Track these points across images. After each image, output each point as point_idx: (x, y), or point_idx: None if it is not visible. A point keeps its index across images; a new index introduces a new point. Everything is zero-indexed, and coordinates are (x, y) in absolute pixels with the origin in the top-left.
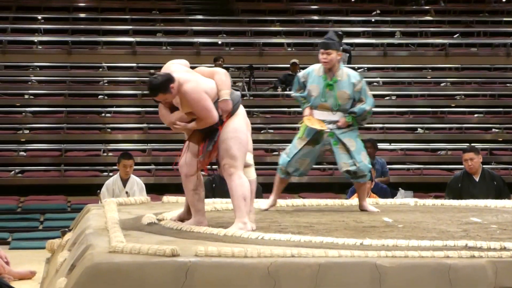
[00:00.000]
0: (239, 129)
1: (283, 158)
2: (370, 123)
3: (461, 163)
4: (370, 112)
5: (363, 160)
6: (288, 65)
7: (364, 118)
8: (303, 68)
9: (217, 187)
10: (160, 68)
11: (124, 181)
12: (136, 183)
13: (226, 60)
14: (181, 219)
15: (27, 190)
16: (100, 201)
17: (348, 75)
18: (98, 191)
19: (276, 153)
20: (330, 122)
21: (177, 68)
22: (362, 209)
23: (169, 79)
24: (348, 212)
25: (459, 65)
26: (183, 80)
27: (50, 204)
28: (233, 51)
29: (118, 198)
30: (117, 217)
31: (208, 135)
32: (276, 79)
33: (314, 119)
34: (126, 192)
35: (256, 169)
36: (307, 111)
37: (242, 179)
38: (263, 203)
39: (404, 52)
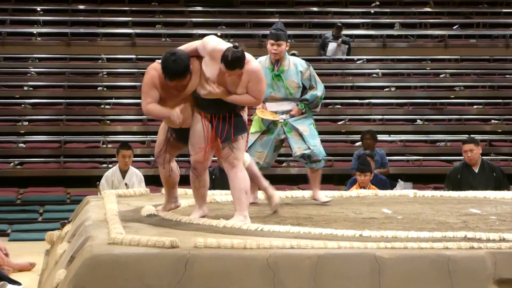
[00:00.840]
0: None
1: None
2: (370, 114)
3: (460, 155)
4: (321, 98)
5: (317, 145)
6: None
7: (316, 104)
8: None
9: (217, 178)
10: (158, 60)
11: (123, 173)
12: (135, 174)
13: None
14: (167, 209)
15: (26, 182)
16: (100, 192)
17: (294, 64)
18: (98, 182)
19: None
20: (283, 112)
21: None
22: (314, 198)
23: (245, 54)
24: (348, 203)
25: (459, 57)
26: (248, 57)
27: (49, 195)
28: (232, 42)
29: (117, 190)
30: (116, 208)
31: (218, 123)
32: None
33: (267, 111)
34: (126, 184)
35: None
36: (260, 105)
37: (244, 173)
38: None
39: (403, 43)
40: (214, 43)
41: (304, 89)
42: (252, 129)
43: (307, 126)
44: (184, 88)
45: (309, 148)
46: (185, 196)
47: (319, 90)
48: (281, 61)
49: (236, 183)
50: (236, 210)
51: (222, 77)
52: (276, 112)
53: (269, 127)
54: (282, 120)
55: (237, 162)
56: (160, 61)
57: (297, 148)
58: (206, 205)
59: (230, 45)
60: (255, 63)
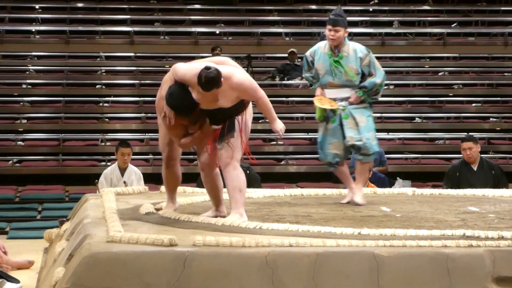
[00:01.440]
0: (248, 122)
1: (319, 152)
2: None
3: (459, 152)
4: (381, 85)
5: (371, 138)
6: (286, 55)
7: (376, 92)
8: (301, 58)
9: None
10: (158, 57)
11: (122, 171)
12: (134, 172)
13: (224, 49)
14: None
15: (25, 180)
16: (98, 190)
17: (354, 49)
18: (96, 180)
19: (274, 142)
20: (342, 99)
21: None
22: (352, 199)
23: (220, 72)
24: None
25: (457, 55)
26: (228, 73)
27: (48, 193)
28: (231, 40)
29: (116, 188)
30: (115, 206)
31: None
32: (274, 68)
33: (325, 99)
34: (124, 182)
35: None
36: (318, 91)
37: (238, 171)
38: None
39: (402, 41)
40: (181, 72)
41: (363, 76)
42: (317, 117)
43: (365, 117)
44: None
45: (361, 140)
46: (183, 194)
47: (378, 77)
48: (340, 47)
49: (230, 181)
50: (231, 208)
51: (210, 97)
52: (334, 99)
53: (328, 115)
54: (341, 107)
55: (231, 161)
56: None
57: (350, 137)
58: (223, 206)
59: (201, 66)
60: (238, 76)
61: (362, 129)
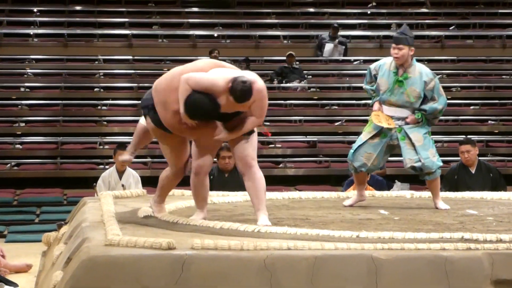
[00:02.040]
0: None
1: (350, 151)
2: (366, 115)
3: (457, 155)
4: (441, 111)
5: (430, 156)
6: (284, 57)
7: (435, 117)
8: (300, 61)
9: (215, 179)
10: (156, 60)
11: (120, 174)
12: (132, 175)
13: (222, 52)
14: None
15: (23, 183)
16: (96, 194)
17: (420, 72)
18: (94, 184)
19: (272, 145)
20: (398, 119)
21: (223, 67)
22: (436, 206)
23: (252, 84)
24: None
25: (455, 57)
26: (253, 78)
27: (46, 197)
28: (229, 43)
29: (114, 191)
30: (113, 210)
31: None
32: (272, 71)
33: (383, 115)
34: (122, 185)
35: None
36: (376, 106)
37: (260, 172)
38: (347, 200)
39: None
40: (201, 81)
41: (424, 99)
42: (367, 128)
43: (421, 136)
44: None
45: (420, 161)
46: (182, 197)
47: (440, 104)
48: (406, 66)
49: (257, 183)
50: (260, 210)
51: (238, 105)
52: (392, 117)
53: (383, 129)
54: (397, 127)
55: (254, 162)
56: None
57: (408, 159)
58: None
59: (217, 73)
60: (261, 83)
61: (419, 148)
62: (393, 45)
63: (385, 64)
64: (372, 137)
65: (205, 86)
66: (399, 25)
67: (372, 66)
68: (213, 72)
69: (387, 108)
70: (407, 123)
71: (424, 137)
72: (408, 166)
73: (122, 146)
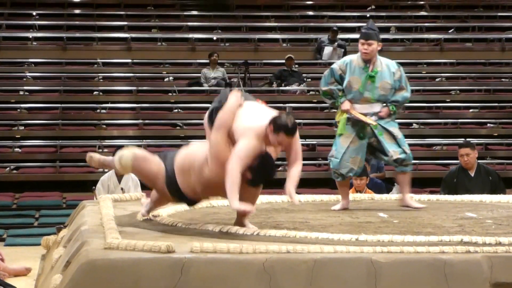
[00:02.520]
0: None
1: (333, 161)
2: None
3: (456, 158)
4: (408, 99)
5: (407, 149)
6: (283, 61)
7: (403, 106)
8: (298, 64)
9: None
10: (155, 64)
11: (119, 177)
12: (131, 179)
13: (221, 55)
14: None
15: (22, 187)
16: (96, 197)
17: (387, 65)
18: (94, 187)
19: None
20: (372, 114)
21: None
22: (404, 204)
23: None
24: (344, 208)
25: (454, 60)
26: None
27: (45, 200)
28: (228, 46)
29: (113, 194)
30: (112, 213)
31: None
32: (271, 74)
33: (359, 114)
34: (122, 189)
35: None
36: (347, 105)
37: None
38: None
39: (399, 47)
40: (244, 155)
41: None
42: (341, 131)
43: (398, 130)
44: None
45: (405, 153)
46: None
47: (408, 92)
48: (373, 61)
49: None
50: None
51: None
52: (365, 114)
53: (361, 130)
54: (375, 123)
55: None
56: None
57: (393, 151)
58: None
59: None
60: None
61: (401, 141)
62: (362, 40)
63: (351, 62)
64: (352, 141)
65: (252, 148)
66: (398, 28)
67: (336, 66)
68: (239, 131)
69: (360, 106)
70: (380, 117)
71: (400, 131)
72: (394, 158)
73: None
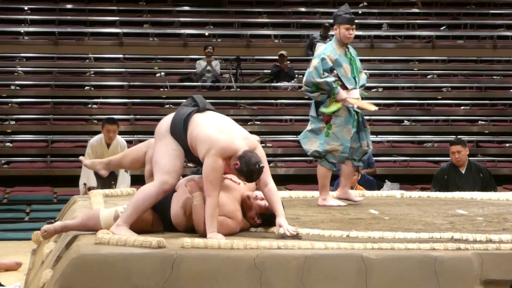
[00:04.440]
0: None
1: (341, 156)
2: None
3: (447, 155)
4: None
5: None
6: (275, 57)
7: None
8: (290, 60)
9: None
10: (147, 59)
11: (108, 145)
12: (120, 145)
13: (213, 51)
14: None
15: (13, 181)
16: (87, 192)
17: (351, 48)
18: (85, 183)
19: (263, 144)
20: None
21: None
22: (345, 197)
23: None
24: (335, 204)
25: (446, 57)
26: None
27: (36, 195)
28: (220, 42)
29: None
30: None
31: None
32: (263, 70)
33: (356, 100)
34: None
35: None
36: (344, 94)
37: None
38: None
39: (391, 44)
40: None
41: None
42: (340, 120)
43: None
44: None
45: (370, 147)
46: None
47: (366, 74)
48: (346, 45)
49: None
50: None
51: None
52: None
53: (354, 121)
54: (376, 108)
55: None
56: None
57: (366, 143)
58: None
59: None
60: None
61: (368, 134)
62: (347, 25)
63: (333, 50)
64: (350, 132)
65: (221, 170)
66: (390, 25)
67: (325, 56)
68: (202, 139)
69: (356, 91)
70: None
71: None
72: (366, 149)
73: (111, 119)
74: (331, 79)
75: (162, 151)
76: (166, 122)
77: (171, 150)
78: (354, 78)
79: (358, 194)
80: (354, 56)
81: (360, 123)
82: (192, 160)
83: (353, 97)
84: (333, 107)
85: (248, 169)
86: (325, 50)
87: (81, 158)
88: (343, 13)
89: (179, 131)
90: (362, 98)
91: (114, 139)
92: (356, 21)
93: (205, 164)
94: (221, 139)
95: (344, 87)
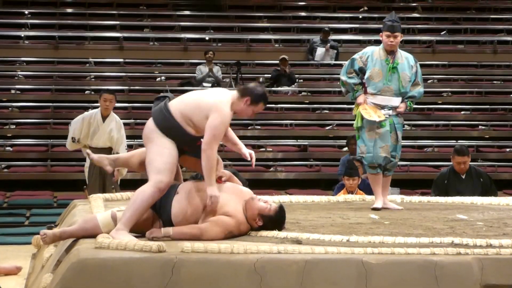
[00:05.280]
0: None
1: (366, 157)
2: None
3: (448, 160)
4: (422, 95)
5: (399, 157)
6: (276, 61)
7: (415, 102)
8: (291, 64)
9: None
10: (147, 63)
11: (104, 118)
12: (115, 121)
13: (213, 56)
14: None
15: (13, 185)
16: (87, 196)
17: (406, 57)
18: (85, 186)
19: (263, 149)
20: (390, 108)
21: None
22: (383, 206)
23: None
24: (335, 208)
25: (446, 62)
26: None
27: (36, 199)
28: (220, 47)
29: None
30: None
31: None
32: (264, 75)
33: (370, 108)
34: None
35: (244, 165)
36: (361, 98)
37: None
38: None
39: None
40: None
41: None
42: (360, 123)
43: (401, 135)
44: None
45: (395, 158)
46: None
47: (423, 88)
48: (395, 53)
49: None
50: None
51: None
52: (384, 107)
53: (381, 122)
54: (387, 117)
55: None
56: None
57: (392, 153)
58: None
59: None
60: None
61: (398, 148)
62: (388, 33)
63: (373, 54)
64: (376, 133)
65: (227, 122)
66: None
67: (357, 56)
68: (207, 107)
69: (382, 97)
70: (398, 113)
71: (400, 138)
72: (391, 158)
73: (108, 90)
74: (353, 80)
75: (153, 151)
76: (149, 124)
77: (161, 149)
78: (385, 84)
79: (359, 198)
80: (401, 65)
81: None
82: (190, 149)
83: (376, 102)
84: (355, 109)
85: (260, 90)
86: (362, 51)
87: (88, 151)
88: (386, 20)
89: (166, 120)
90: (410, 110)
91: (110, 110)
92: (356, 25)
93: (212, 118)
94: (218, 94)
95: (366, 91)
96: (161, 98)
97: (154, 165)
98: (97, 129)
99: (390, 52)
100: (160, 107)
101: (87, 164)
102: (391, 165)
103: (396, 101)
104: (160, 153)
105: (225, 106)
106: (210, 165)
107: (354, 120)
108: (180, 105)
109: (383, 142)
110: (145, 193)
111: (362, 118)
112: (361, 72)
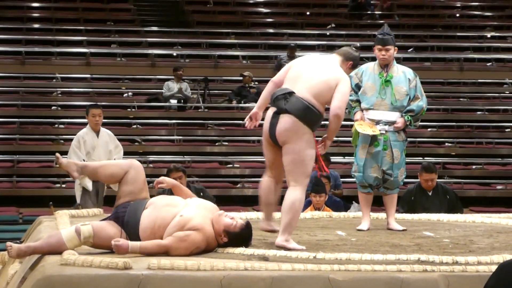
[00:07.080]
0: None
1: (357, 176)
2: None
3: (415, 177)
4: (425, 110)
5: (399, 176)
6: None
7: (418, 118)
8: (258, 81)
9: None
10: (114, 79)
11: (96, 133)
12: (108, 134)
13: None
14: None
15: None
16: (52, 213)
17: (403, 71)
18: (51, 203)
19: (230, 165)
20: (386, 123)
21: None
22: (389, 227)
23: None
24: (302, 225)
25: None
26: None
27: (1, 215)
28: (188, 63)
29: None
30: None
31: None
32: (231, 91)
33: (365, 124)
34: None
35: (211, 181)
36: (358, 115)
37: None
38: (363, 225)
39: (359, 66)
40: None
41: (408, 100)
42: (356, 141)
43: (399, 153)
44: None
45: (391, 176)
46: None
47: (424, 102)
48: (390, 66)
49: None
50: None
51: None
52: (379, 122)
53: (374, 138)
54: (383, 132)
55: None
56: None
57: (382, 170)
58: None
59: None
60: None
61: (395, 167)
62: (379, 46)
63: (367, 69)
64: (368, 151)
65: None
66: (357, 48)
67: (353, 74)
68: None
69: (376, 112)
70: (396, 128)
71: (401, 155)
72: (379, 176)
73: (95, 105)
74: (351, 97)
75: (305, 153)
76: (290, 120)
77: (312, 152)
78: (378, 98)
79: (326, 215)
80: (396, 78)
81: (382, 148)
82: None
83: (370, 117)
84: (353, 128)
85: (357, 55)
86: (357, 68)
87: (57, 155)
88: (378, 33)
89: (307, 109)
90: (407, 125)
91: (100, 125)
92: (323, 42)
93: (342, 86)
94: (332, 64)
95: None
96: (280, 96)
97: (305, 168)
98: (93, 147)
99: (384, 66)
100: (298, 100)
101: (78, 181)
102: (388, 184)
103: (391, 115)
104: (312, 156)
105: (344, 72)
106: (338, 127)
107: (318, 137)
108: (308, 90)
109: (374, 162)
110: (301, 199)
111: (357, 136)
112: (358, 88)
